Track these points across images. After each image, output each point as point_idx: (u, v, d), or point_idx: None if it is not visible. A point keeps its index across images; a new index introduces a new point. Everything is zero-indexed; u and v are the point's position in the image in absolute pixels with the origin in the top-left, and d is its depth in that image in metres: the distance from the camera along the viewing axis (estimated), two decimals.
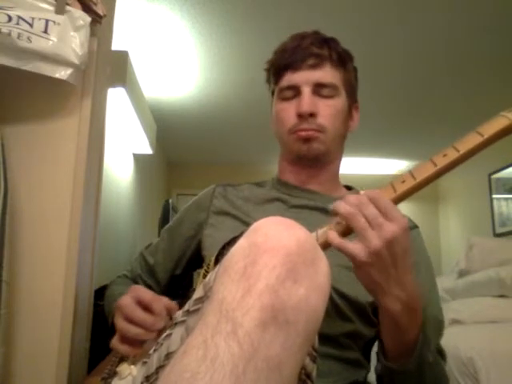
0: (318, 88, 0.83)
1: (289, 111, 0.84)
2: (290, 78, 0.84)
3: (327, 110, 0.83)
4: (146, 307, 0.67)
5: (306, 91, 0.82)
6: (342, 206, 0.55)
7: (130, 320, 0.66)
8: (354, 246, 0.54)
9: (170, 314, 0.66)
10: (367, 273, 0.55)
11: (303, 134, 0.82)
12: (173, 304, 0.67)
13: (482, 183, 3.97)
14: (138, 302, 0.68)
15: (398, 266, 0.55)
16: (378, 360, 0.67)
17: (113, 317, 0.74)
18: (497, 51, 2.47)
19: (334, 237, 0.55)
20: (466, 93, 3.02)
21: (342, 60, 0.86)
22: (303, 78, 0.83)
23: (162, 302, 0.66)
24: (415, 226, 0.85)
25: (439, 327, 0.78)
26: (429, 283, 0.80)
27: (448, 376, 0.72)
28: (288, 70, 0.85)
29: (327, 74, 0.84)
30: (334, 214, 0.57)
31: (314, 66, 0.83)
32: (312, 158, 0.85)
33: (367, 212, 0.54)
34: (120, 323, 0.67)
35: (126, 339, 0.67)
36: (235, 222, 0.85)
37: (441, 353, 0.76)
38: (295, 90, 0.84)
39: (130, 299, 0.68)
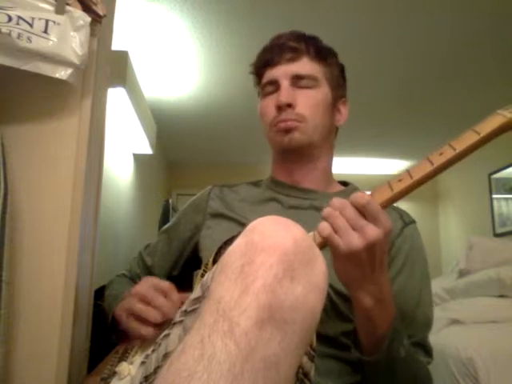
0: (297, 80, 0.85)
1: (269, 105, 0.87)
2: (269, 74, 0.88)
3: (306, 100, 0.85)
4: (163, 295, 0.69)
5: (284, 84, 0.85)
6: (324, 209, 0.58)
7: (150, 304, 0.69)
8: (338, 240, 0.55)
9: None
10: (343, 266, 0.58)
11: (282, 125, 0.84)
12: (187, 296, 0.69)
13: (482, 183, 3.97)
14: (156, 289, 0.70)
15: (375, 267, 0.57)
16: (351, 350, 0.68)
17: (113, 312, 0.75)
18: (496, 52, 2.47)
19: (324, 227, 0.56)
20: (465, 93, 3.02)
21: (321, 54, 0.88)
22: (281, 71, 0.86)
23: (177, 293, 0.69)
24: (412, 221, 0.85)
25: (427, 323, 0.79)
26: (422, 281, 0.80)
27: (429, 372, 0.72)
28: (267, 67, 0.88)
29: (305, 65, 0.86)
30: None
31: (291, 60, 0.86)
32: (295, 150, 0.86)
33: (346, 214, 0.55)
34: (137, 306, 0.70)
35: (143, 322, 0.69)
36: (231, 224, 0.85)
37: (425, 348, 0.77)
38: (275, 85, 0.87)
39: (147, 286, 0.71)
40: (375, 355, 0.62)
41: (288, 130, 0.83)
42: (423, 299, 0.78)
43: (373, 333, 0.62)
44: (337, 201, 0.57)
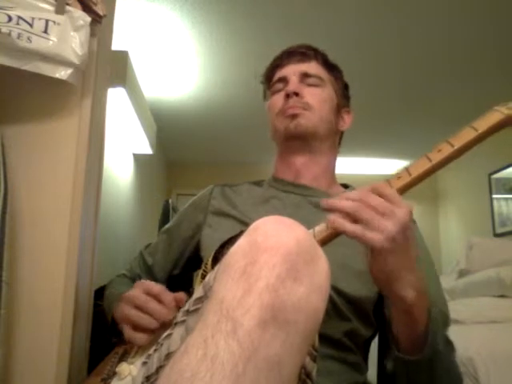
0: (304, 77, 0.91)
1: (278, 99, 0.91)
2: (279, 73, 0.93)
3: (313, 96, 0.89)
4: (155, 299, 0.68)
5: (293, 78, 0.90)
6: (342, 203, 0.55)
7: (142, 310, 0.68)
8: (371, 234, 0.53)
9: (178, 306, 0.67)
10: (384, 260, 0.55)
11: (290, 110, 0.87)
12: (181, 294, 0.69)
13: (482, 183, 3.97)
14: (148, 294, 0.69)
15: (410, 250, 0.55)
16: (388, 356, 0.66)
17: (113, 314, 0.75)
18: (494, 52, 2.48)
19: (353, 228, 0.53)
20: (465, 93, 3.02)
21: (328, 64, 0.94)
22: (290, 70, 0.92)
23: (170, 294, 0.68)
24: (413, 221, 0.84)
25: (445, 320, 0.77)
26: (432, 277, 0.79)
27: (459, 367, 0.71)
28: (277, 69, 0.94)
29: (312, 67, 0.92)
30: (329, 210, 0.56)
31: (300, 61, 0.92)
32: (299, 136, 0.88)
33: (375, 202, 0.54)
34: (131, 312, 0.69)
35: (136, 329, 0.68)
36: (233, 223, 0.85)
37: (450, 344, 0.76)
38: (284, 82, 0.92)
39: (139, 291, 0.70)
40: (420, 353, 0.59)
41: (294, 116, 0.87)
42: (436, 298, 0.76)
43: (414, 328, 0.60)
44: (354, 193, 0.55)
